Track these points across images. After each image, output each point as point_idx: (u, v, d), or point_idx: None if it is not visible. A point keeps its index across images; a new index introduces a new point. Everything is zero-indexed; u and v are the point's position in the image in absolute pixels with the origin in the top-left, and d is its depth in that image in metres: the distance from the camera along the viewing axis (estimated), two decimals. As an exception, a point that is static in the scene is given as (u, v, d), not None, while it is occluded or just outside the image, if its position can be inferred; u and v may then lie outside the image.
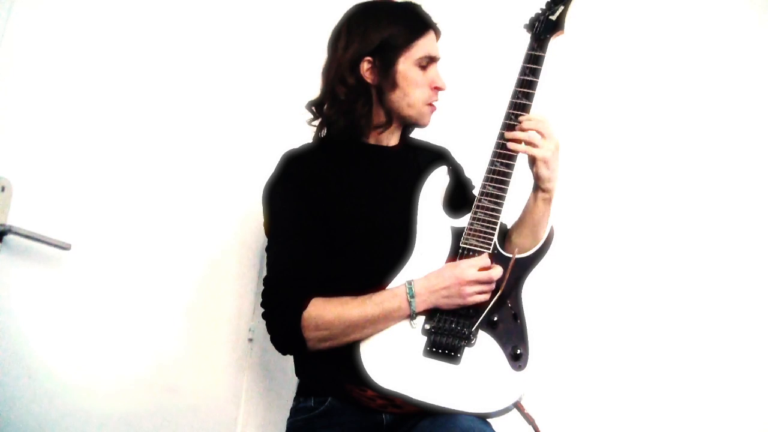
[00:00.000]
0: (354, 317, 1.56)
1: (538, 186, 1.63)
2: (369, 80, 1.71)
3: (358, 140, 1.76)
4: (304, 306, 1.58)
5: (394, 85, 1.71)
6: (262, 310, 1.66)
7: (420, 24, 1.73)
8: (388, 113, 1.75)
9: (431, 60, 1.73)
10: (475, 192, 1.66)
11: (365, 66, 1.70)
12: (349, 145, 1.75)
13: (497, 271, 1.55)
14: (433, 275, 1.58)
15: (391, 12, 1.74)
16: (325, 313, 1.57)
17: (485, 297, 1.55)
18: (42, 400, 1.56)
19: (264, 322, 1.65)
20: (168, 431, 1.85)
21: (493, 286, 1.56)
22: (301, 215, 1.65)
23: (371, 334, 1.57)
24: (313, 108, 1.78)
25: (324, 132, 1.78)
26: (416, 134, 1.88)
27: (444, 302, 1.56)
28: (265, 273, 1.68)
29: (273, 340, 1.67)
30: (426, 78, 1.72)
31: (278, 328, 1.63)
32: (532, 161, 1.61)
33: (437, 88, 1.74)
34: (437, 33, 1.76)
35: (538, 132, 1.59)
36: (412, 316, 1.57)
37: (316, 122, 1.79)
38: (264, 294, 1.66)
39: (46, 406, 1.57)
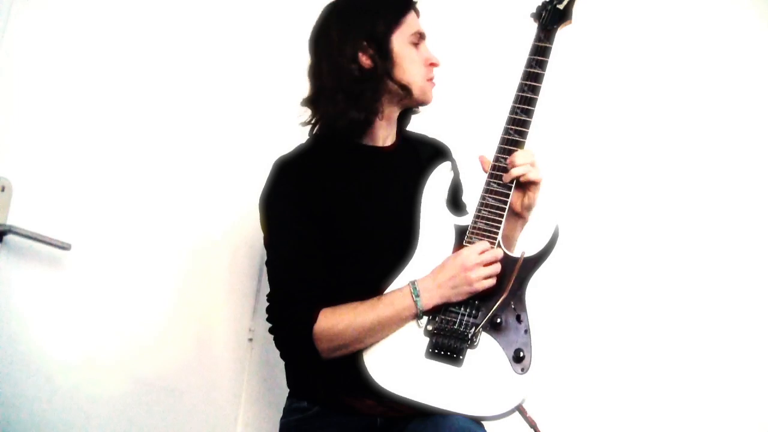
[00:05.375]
0: (366, 322, 1.54)
1: (521, 216, 1.63)
2: (367, 66, 1.67)
3: (354, 141, 1.72)
4: (314, 320, 1.55)
5: (393, 63, 1.68)
6: (265, 316, 1.65)
7: (401, 3, 1.72)
8: (402, 87, 1.69)
9: (421, 37, 1.71)
10: (474, 191, 1.64)
11: (362, 52, 1.66)
12: (344, 146, 1.72)
13: (499, 251, 1.55)
14: (436, 270, 1.57)
15: None
16: (337, 323, 1.55)
17: (492, 282, 1.54)
18: (42, 400, 1.56)
19: (263, 323, 1.66)
20: (168, 431, 1.85)
21: (499, 267, 1.55)
22: (299, 224, 1.63)
23: (383, 338, 1.56)
24: (311, 105, 1.72)
25: (318, 129, 1.74)
26: (417, 128, 1.86)
27: (453, 293, 1.54)
28: (265, 272, 1.68)
29: (283, 355, 1.67)
30: (420, 56, 1.70)
31: (289, 345, 1.63)
32: (531, 186, 1.60)
33: (432, 65, 1.72)
34: (417, 12, 1.74)
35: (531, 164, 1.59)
36: (418, 315, 1.55)
37: (311, 120, 1.74)
38: (269, 310, 1.65)
39: (46, 406, 1.57)
